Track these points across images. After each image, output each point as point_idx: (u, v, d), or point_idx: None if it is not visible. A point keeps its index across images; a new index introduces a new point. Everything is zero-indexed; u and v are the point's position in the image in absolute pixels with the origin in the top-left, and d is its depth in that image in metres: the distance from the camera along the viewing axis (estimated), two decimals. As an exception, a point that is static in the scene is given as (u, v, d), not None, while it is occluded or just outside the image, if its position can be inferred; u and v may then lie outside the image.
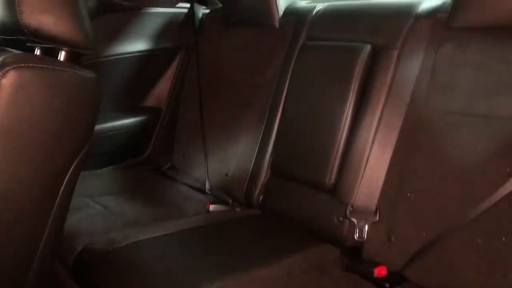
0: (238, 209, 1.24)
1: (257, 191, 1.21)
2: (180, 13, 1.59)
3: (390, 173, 0.92)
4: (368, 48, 1.04)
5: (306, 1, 1.46)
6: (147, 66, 1.55)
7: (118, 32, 1.43)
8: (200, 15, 1.60)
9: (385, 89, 0.98)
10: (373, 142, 0.96)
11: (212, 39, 1.51)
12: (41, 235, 0.79)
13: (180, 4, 1.59)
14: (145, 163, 1.60)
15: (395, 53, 1.00)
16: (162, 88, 1.61)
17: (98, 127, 1.38)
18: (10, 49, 0.98)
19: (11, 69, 0.67)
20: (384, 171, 0.93)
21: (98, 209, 1.12)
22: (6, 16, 0.75)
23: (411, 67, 0.96)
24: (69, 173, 0.83)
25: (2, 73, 0.68)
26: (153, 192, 1.33)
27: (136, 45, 1.49)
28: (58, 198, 0.83)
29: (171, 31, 1.57)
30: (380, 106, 0.97)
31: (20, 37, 0.79)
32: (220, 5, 1.57)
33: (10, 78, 0.67)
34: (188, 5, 1.59)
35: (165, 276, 0.81)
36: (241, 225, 1.11)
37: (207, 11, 1.62)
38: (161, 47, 1.56)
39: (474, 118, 0.85)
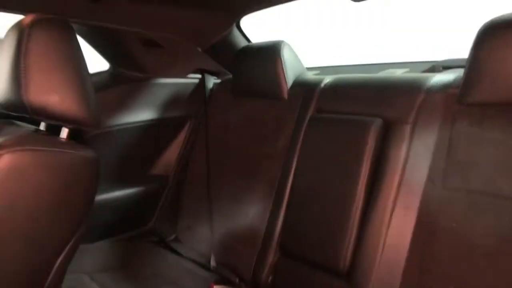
0: (244, 291, 1.14)
1: (266, 271, 1.12)
2: (190, 83, 1.62)
3: (410, 258, 0.84)
4: (379, 122, 1.01)
5: (314, 73, 1.48)
6: (155, 134, 1.55)
7: (128, 102, 1.45)
8: (210, 85, 1.63)
9: (399, 166, 0.93)
10: (389, 223, 0.89)
11: (221, 109, 1.51)
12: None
13: (191, 75, 1.62)
14: (149, 234, 1.53)
15: (408, 127, 0.97)
16: (170, 156, 1.59)
17: (99, 197, 1.34)
18: (18, 122, 0.98)
19: (5, 153, 0.64)
20: (404, 255, 0.85)
21: (94, 285, 1.04)
22: (11, 94, 0.75)
23: (426, 143, 0.92)
24: (65, 251, 0.78)
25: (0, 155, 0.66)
26: (155, 268, 1.25)
27: (145, 114, 1.50)
28: (50, 277, 0.77)
29: (181, 101, 1.58)
30: (395, 185, 0.92)
31: (24, 115, 0.78)
32: (230, 75, 1.60)
33: (4, 162, 0.64)
34: (199, 75, 1.63)
35: None
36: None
37: (218, 81, 1.64)
38: (170, 116, 1.56)
39: (496, 199, 0.78)
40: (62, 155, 0.73)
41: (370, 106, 1.07)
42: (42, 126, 0.87)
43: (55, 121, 0.78)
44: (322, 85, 1.23)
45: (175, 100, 1.58)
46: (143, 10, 1.14)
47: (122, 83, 1.46)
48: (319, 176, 1.07)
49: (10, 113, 0.84)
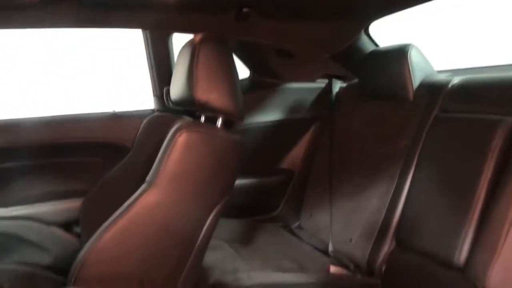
0: (359, 276, 1.23)
1: (380, 260, 1.19)
2: (318, 88, 1.78)
3: None
4: (509, 120, 0.99)
5: (446, 75, 1.47)
6: (285, 133, 1.76)
7: (263, 104, 1.70)
8: (337, 89, 1.76)
9: None
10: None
11: (346, 111, 1.62)
12: (185, 263, 0.97)
13: (319, 80, 1.78)
14: (276, 219, 1.74)
15: None
16: (297, 153, 1.78)
17: (238, 182, 1.60)
18: (184, 116, 1.29)
19: (183, 132, 0.91)
20: None
21: (230, 252, 1.28)
22: (185, 94, 1.02)
23: None
24: (211, 216, 1.02)
25: (179, 134, 0.93)
26: (279, 246, 1.44)
27: (277, 115, 1.72)
28: (201, 235, 1.01)
29: (309, 104, 1.76)
30: None
31: (193, 108, 1.05)
32: (357, 80, 1.70)
33: (183, 138, 0.91)
34: (326, 80, 1.78)
35: None
36: (359, 291, 1.11)
37: (344, 85, 1.76)
38: (299, 117, 1.76)
39: None
40: (218, 137, 0.98)
41: (498, 105, 1.05)
42: (202, 119, 1.14)
43: (213, 113, 1.03)
44: (450, 85, 1.24)
45: (303, 103, 1.76)
46: (279, 25, 1.34)
47: (259, 88, 1.72)
48: (441, 172, 1.10)
49: (178, 108, 1.13)
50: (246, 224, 1.62)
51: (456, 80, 1.24)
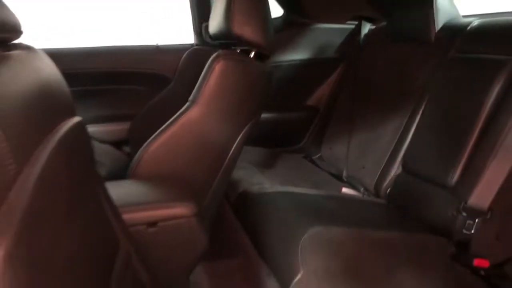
0: (367, 196, 1.42)
1: (386, 183, 1.36)
2: (347, 29, 1.86)
3: (509, 179, 0.96)
4: None
5: (473, 18, 1.51)
6: (313, 71, 1.88)
7: (294, 43, 1.81)
8: (366, 31, 1.83)
9: None
10: (499, 147, 1.01)
11: (372, 52, 1.71)
12: (217, 173, 1.17)
13: (348, 22, 1.85)
14: (299, 151, 1.93)
15: None
16: (322, 91, 1.91)
17: (267, 115, 1.78)
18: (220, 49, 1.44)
19: (222, 59, 1.07)
20: (503, 175, 0.97)
21: (256, 170, 1.50)
22: (223, 28, 1.17)
23: None
24: (241, 134, 1.20)
25: (217, 61, 1.09)
26: (299, 171, 1.64)
27: (307, 54, 1.84)
28: (231, 150, 1.20)
29: (338, 44, 1.85)
30: None
31: (229, 41, 1.20)
32: (385, 23, 1.76)
33: (220, 65, 1.07)
34: (356, 22, 1.85)
35: (287, 214, 1.09)
36: (364, 205, 1.30)
37: (373, 27, 1.83)
38: (327, 57, 1.86)
39: None
40: (250, 66, 1.13)
41: (509, 46, 1.13)
42: (238, 51, 1.29)
43: (247, 46, 1.18)
44: (468, 28, 1.31)
45: (332, 44, 1.86)
46: None
47: (291, 27, 1.82)
48: (448, 106, 1.22)
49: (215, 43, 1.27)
50: (271, 152, 1.82)
51: (475, 22, 1.31)
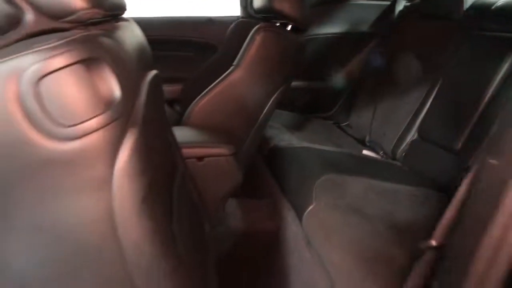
0: (384, 158, 1.60)
1: (402, 147, 1.53)
2: (383, 5, 1.97)
3: None
4: None
5: None
6: (346, 45, 2.03)
7: (329, 18, 1.96)
8: (401, 7, 1.94)
9: None
10: None
11: (403, 29, 1.83)
12: (251, 129, 1.39)
13: (385, -2, 1.97)
14: (329, 118, 2.11)
15: None
16: (354, 64, 2.06)
17: (302, 83, 1.97)
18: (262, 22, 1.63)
19: (263, 31, 1.27)
20: None
21: (287, 130, 1.71)
22: (265, 3, 1.36)
23: None
24: (274, 96, 1.40)
25: (258, 32, 1.29)
26: (326, 134, 1.83)
27: (341, 28, 1.99)
28: (265, 110, 1.41)
29: (372, 20, 1.98)
30: None
31: (270, 15, 1.40)
32: (419, 0, 1.86)
33: (261, 36, 1.27)
34: (392, -1, 1.96)
35: (309, 163, 1.31)
36: (380, 164, 1.48)
37: (408, 4, 1.93)
38: (360, 32, 2.00)
39: None
40: (287, 37, 1.33)
41: None
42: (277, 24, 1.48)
43: (286, 19, 1.37)
44: (493, 7, 1.41)
45: (367, 19, 1.99)
46: None
47: (327, 3, 1.96)
48: (463, 80, 1.35)
49: (259, 16, 1.47)
50: (303, 117, 2.02)
51: (500, 2, 1.40)
